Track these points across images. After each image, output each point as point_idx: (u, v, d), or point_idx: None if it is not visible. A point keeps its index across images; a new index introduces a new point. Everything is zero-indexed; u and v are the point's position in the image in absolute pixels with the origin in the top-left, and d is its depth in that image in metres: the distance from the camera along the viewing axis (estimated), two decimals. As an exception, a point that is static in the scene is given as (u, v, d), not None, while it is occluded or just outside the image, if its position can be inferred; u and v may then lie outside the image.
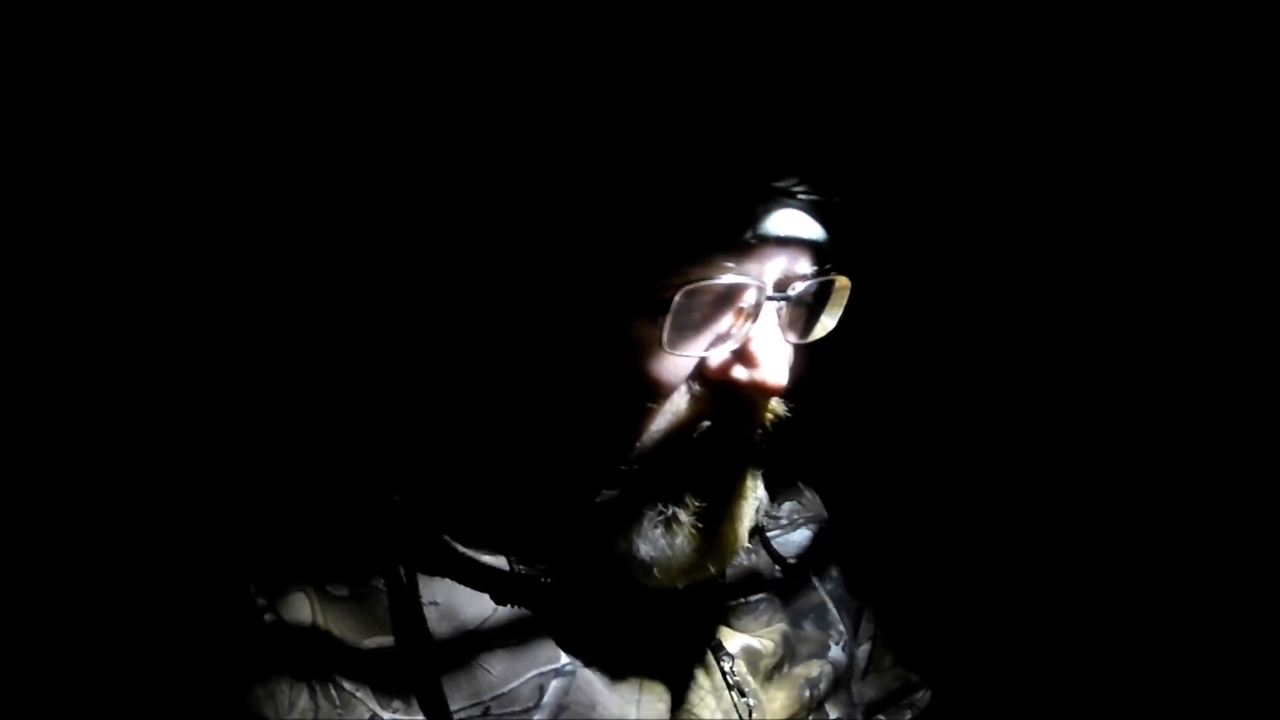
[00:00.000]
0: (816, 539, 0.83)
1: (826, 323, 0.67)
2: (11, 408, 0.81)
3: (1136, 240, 1.13)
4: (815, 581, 0.80)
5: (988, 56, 1.06)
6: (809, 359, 0.68)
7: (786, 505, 0.84)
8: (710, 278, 0.58)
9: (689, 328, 0.60)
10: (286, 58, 0.85)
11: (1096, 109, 1.08)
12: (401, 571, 0.62)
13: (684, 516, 0.62)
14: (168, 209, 0.86)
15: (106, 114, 0.83)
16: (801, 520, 0.83)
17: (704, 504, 0.63)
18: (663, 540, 0.62)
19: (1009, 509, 1.19)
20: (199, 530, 0.65)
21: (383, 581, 0.62)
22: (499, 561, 0.64)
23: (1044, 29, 1.05)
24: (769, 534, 0.80)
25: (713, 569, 0.65)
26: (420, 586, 0.62)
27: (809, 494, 0.87)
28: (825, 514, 0.86)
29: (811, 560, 0.81)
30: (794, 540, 0.82)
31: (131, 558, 0.70)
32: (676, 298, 0.57)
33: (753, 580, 0.76)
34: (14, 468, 0.80)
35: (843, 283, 0.66)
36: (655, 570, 0.62)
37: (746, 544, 0.66)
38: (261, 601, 0.60)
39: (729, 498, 0.65)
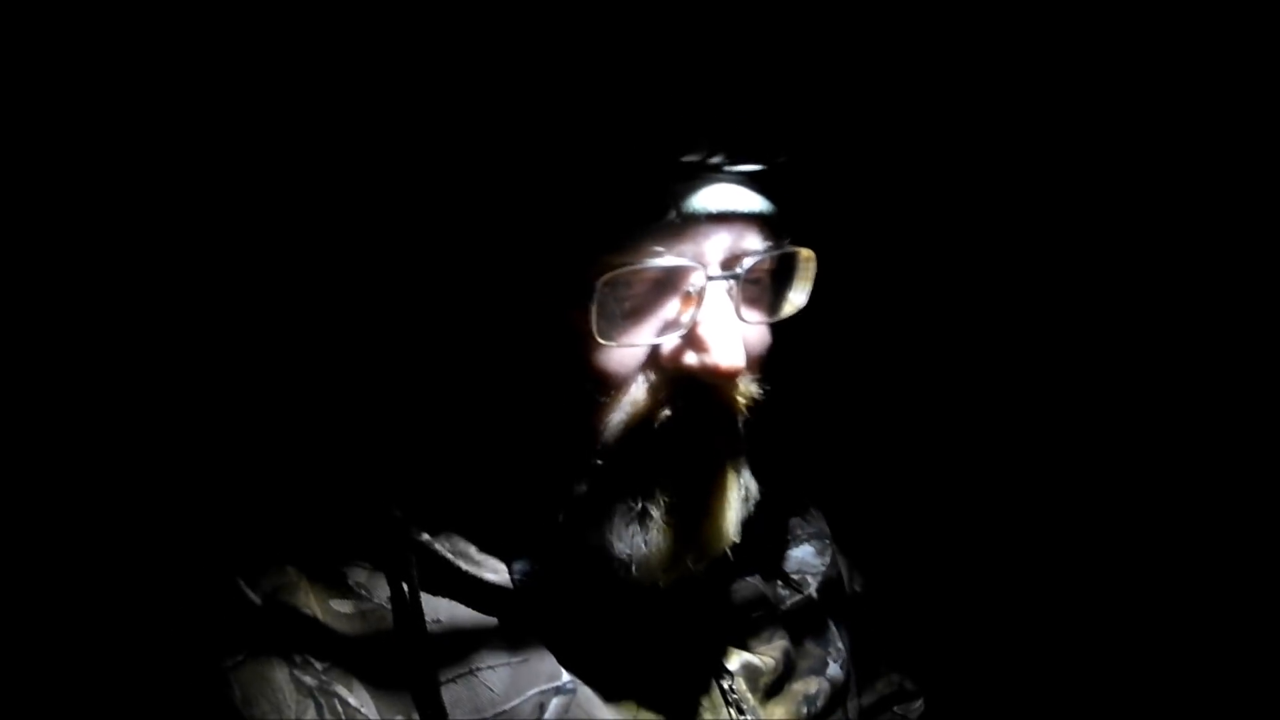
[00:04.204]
0: (818, 555, 0.82)
1: (795, 299, 0.64)
2: (12, 409, 0.81)
3: (1137, 227, 1.11)
4: (816, 598, 0.80)
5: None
6: (785, 332, 0.66)
7: (789, 521, 0.83)
8: (632, 264, 0.57)
9: (621, 316, 0.58)
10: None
11: (1072, 47, 1.04)
12: (405, 589, 0.62)
13: (655, 511, 0.61)
14: (159, 210, 0.86)
15: (106, 115, 0.83)
16: (804, 536, 0.83)
17: (675, 498, 0.61)
18: (637, 537, 0.61)
19: (1007, 521, 1.19)
20: (202, 543, 0.65)
21: (386, 599, 0.63)
22: (501, 579, 0.64)
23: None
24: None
25: (692, 565, 0.63)
26: (422, 603, 0.62)
27: (812, 510, 0.87)
28: (827, 530, 0.86)
29: (813, 576, 0.81)
30: (795, 556, 0.81)
31: (135, 572, 0.70)
32: (598, 287, 0.56)
33: (754, 596, 0.75)
34: (14, 471, 0.80)
35: (806, 255, 0.63)
36: (634, 568, 0.61)
37: (734, 538, 0.64)
38: (267, 618, 0.60)
39: (703, 490, 0.62)
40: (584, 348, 0.58)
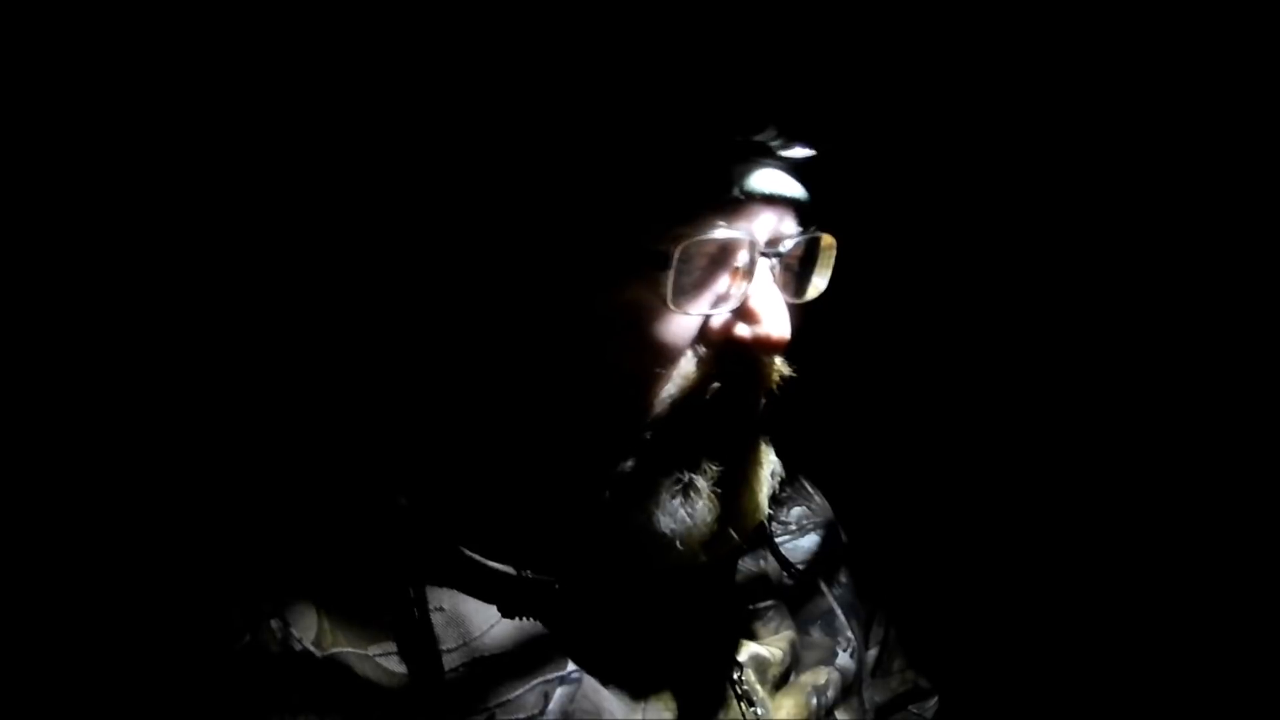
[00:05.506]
0: (825, 545, 0.82)
1: (818, 283, 0.68)
2: (13, 412, 0.80)
3: (1151, 226, 1.11)
4: (824, 588, 0.79)
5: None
6: (803, 320, 0.68)
7: (795, 511, 0.83)
8: (705, 234, 0.59)
9: (691, 286, 0.61)
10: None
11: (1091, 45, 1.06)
12: (408, 578, 0.61)
13: (701, 483, 0.62)
14: (166, 210, 0.86)
15: (108, 114, 0.83)
16: (810, 526, 0.83)
17: (721, 469, 0.63)
18: (682, 510, 0.62)
19: (1018, 513, 1.18)
20: (203, 537, 0.65)
21: (389, 587, 0.62)
22: (506, 567, 0.63)
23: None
24: (778, 540, 0.79)
25: (735, 536, 0.65)
26: (426, 592, 0.61)
27: (818, 499, 0.86)
28: (834, 519, 0.85)
29: (820, 566, 0.80)
30: (803, 546, 0.81)
31: (136, 569, 0.69)
32: (676, 253, 0.58)
33: (762, 587, 0.75)
34: (17, 475, 0.80)
35: (828, 241, 0.67)
36: (677, 543, 0.62)
37: (767, 511, 0.66)
38: (267, 607, 0.59)
39: (745, 461, 0.65)
40: (646, 318, 0.60)
